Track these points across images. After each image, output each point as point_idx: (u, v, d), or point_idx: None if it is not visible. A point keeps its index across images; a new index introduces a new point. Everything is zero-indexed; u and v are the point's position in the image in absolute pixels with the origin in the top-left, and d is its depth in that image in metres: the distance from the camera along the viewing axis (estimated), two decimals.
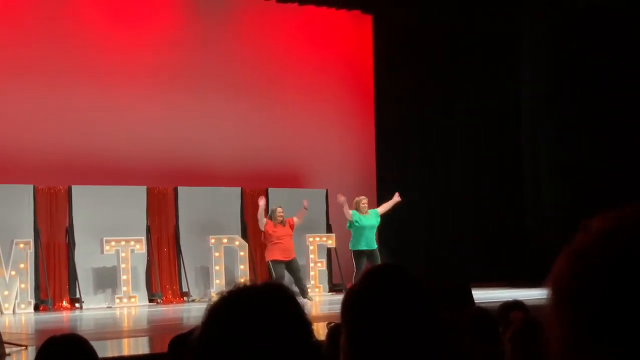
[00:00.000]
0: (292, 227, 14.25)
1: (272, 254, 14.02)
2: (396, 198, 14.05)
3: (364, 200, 13.96)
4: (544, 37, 17.82)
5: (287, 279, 13.80)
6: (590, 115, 17.77)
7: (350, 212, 13.73)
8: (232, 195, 16.20)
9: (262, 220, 14.21)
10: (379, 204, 14.82)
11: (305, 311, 1.69)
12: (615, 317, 1.03)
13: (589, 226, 1.11)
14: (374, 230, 13.80)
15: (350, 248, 13.73)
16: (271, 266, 14.09)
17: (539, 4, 17.78)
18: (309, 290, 15.59)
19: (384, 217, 14.12)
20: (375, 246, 13.69)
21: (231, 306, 1.66)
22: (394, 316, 1.98)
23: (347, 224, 13.82)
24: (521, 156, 18.21)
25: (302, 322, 1.67)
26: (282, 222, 14.15)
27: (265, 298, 1.66)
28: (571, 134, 17.76)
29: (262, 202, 14.48)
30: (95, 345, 3.57)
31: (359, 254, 13.51)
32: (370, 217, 13.80)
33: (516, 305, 5.51)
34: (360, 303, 2.03)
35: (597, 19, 17.36)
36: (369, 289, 2.04)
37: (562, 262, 1.11)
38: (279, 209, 14.26)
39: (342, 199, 13.84)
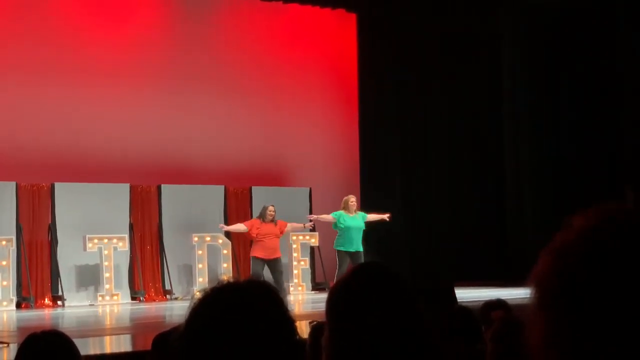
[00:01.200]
0: (281, 229, 13.99)
1: (254, 251, 13.85)
2: (385, 216, 13.98)
3: (352, 199, 13.77)
4: (525, 37, 17.90)
5: (266, 278, 13.69)
6: (571, 116, 17.89)
7: (330, 215, 13.63)
8: (215, 194, 16.17)
9: (240, 228, 14.18)
10: (362, 204, 14.80)
11: (289, 309, 1.69)
12: (597, 313, 1.04)
13: (571, 223, 1.12)
14: (361, 232, 13.55)
15: (334, 247, 13.63)
16: (251, 262, 14.00)
17: (521, 5, 17.85)
18: (290, 290, 15.60)
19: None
20: (360, 248, 13.47)
21: (214, 304, 1.66)
22: (377, 314, 1.98)
23: (333, 225, 13.70)
24: (503, 156, 18.28)
25: (286, 319, 1.67)
26: (273, 221, 13.84)
27: (248, 295, 1.67)
28: (552, 134, 17.88)
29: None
30: (77, 342, 3.56)
31: (342, 255, 13.35)
32: (358, 219, 13.58)
33: (498, 304, 5.52)
34: (345, 301, 2.03)
35: (577, 20, 17.49)
36: (354, 287, 2.05)
37: (544, 260, 1.12)
38: (271, 207, 13.93)
39: (312, 217, 14.23)
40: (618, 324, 1.03)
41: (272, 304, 1.67)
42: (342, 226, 13.43)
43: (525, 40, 17.86)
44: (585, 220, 1.11)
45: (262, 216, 13.85)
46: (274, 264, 13.59)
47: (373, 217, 13.96)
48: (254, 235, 13.70)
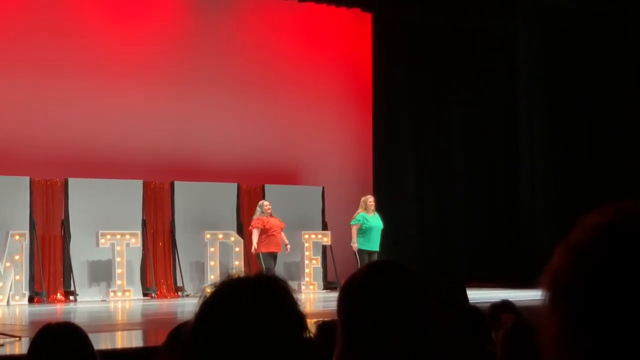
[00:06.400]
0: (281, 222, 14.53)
1: (267, 246, 14.20)
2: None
3: (370, 199, 14.36)
4: (540, 37, 17.87)
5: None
6: (586, 116, 17.85)
7: (354, 227, 14.00)
8: (228, 191, 16.19)
9: (256, 236, 14.32)
10: (375, 204, 14.86)
11: (299, 304, 1.69)
12: (612, 310, 1.04)
13: (585, 221, 1.12)
14: (379, 232, 14.12)
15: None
16: (262, 258, 14.22)
17: (536, 5, 17.82)
18: (302, 289, 15.66)
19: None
20: (377, 248, 13.99)
21: (224, 298, 1.66)
22: (392, 314, 1.97)
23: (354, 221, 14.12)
24: (517, 156, 18.24)
25: (296, 315, 1.67)
26: (272, 215, 14.42)
27: (258, 290, 1.67)
28: (566, 135, 17.84)
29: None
30: (89, 337, 3.58)
31: (363, 254, 13.81)
32: (377, 219, 14.14)
33: (505, 306, 5.51)
34: (359, 300, 2.02)
35: (592, 20, 17.48)
36: (368, 286, 2.04)
37: (559, 257, 1.11)
38: (266, 202, 14.56)
39: (354, 246, 14.05)
40: (635, 324, 1.02)
41: (282, 299, 1.67)
42: (366, 227, 13.80)
43: (541, 40, 17.83)
44: (601, 218, 1.10)
45: (263, 213, 14.36)
46: (276, 259, 14.15)
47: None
48: (265, 227, 14.21)
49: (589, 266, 1.07)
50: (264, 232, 14.28)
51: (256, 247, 14.38)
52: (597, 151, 17.66)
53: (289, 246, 14.83)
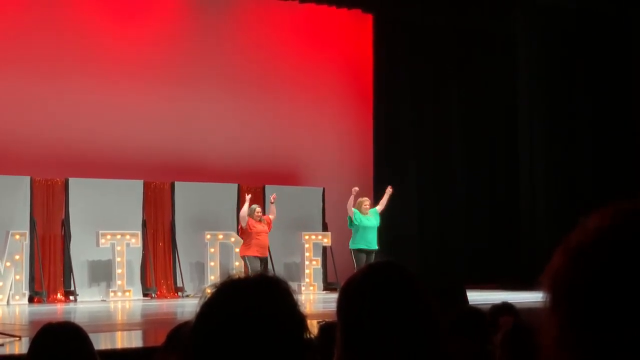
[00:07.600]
0: (269, 225, 14.41)
1: (250, 250, 14.19)
2: (389, 190, 14.35)
3: (366, 202, 14.35)
4: (540, 37, 17.87)
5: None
6: (586, 116, 17.86)
7: (353, 209, 14.04)
8: (228, 192, 16.19)
9: (246, 218, 14.29)
10: (375, 204, 14.90)
11: (300, 305, 1.69)
12: (612, 310, 1.04)
13: (585, 223, 1.12)
14: (375, 231, 14.14)
15: (350, 247, 13.97)
16: (247, 262, 14.23)
17: (536, 5, 17.82)
18: (302, 290, 15.66)
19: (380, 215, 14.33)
20: (375, 247, 14.01)
21: (224, 299, 1.66)
22: (391, 315, 1.97)
23: (348, 223, 14.09)
24: (517, 156, 18.24)
25: (296, 316, 1.67)
26: (260, 220, 14.36)
27: (259, 291, 1.67)
28: (566, 135, 17.85)
29: (249, 197, 14.61)
30: (89, 337, 3.58)
31: (358, 253, 13.81)
32: (371, 218, 14.13)
33: (505, 308, 5.51)
34: (358, 301, 2.02)
35: (592, 20, 17.49)
36: (367, 287, 2.04)
37: (559, 259, 1.11)
38: (258, 208, 14.50)
39: (355, 190, 14.20)
40: (635, 324, 1.02)
41: (282, 300, 1.67)
42: (357, 224, 13.88)
43: (541, 40, 17.84)
44: (601, 220, 1.10)
45: (252, 216, 14.35)
46: (264, 263, 14.10)
47: (382, 204, 14.49)
48: (251, 230, 14.14)
49: (589, 267, 1.07)
50: (248, 235, 14.26)
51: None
52: (597, 151, 17.67)
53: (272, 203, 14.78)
